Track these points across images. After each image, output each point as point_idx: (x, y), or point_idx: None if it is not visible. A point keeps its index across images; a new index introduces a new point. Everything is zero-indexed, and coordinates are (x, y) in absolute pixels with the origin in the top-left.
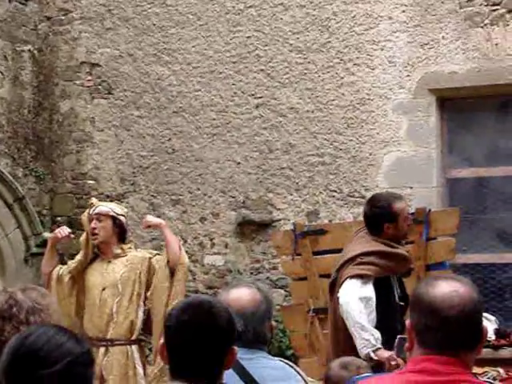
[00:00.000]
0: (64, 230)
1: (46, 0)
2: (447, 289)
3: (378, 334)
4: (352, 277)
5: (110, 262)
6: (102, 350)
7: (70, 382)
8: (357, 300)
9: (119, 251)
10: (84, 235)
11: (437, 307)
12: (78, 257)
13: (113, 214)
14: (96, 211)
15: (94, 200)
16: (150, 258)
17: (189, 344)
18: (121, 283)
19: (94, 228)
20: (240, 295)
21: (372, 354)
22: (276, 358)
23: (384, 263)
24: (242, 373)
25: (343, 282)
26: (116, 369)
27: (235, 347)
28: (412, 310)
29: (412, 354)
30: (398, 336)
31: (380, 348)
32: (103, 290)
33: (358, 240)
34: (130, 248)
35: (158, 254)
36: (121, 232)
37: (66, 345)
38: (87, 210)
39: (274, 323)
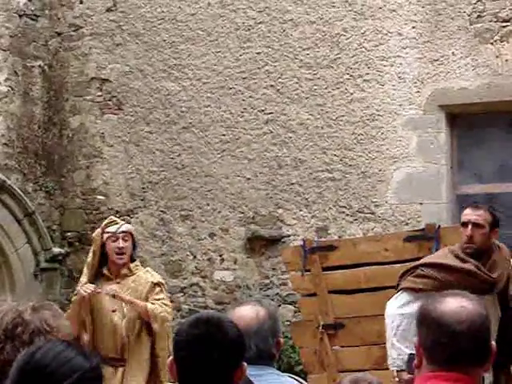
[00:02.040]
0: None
1: (56, 16)
2: (455, 305)
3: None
4: (406, 289)
5: (118, 283)
6: (121, 370)
7: None
8: (398, 315)
9: (126, 271)
10: (91, 256)
11: (445, 323)
12: (84, 279)
13: (133, 233)
14: (122, 229)
15: (113, 217)
16: (155, 284)
17: (199, 358)
18: (126, 307)
19: (122, 247)
20: (243, 313)
21: (395, 374)
22: (285, 374)
23: (444, 276)
24: None
25: (397, 291)
26: None
27: (244, 363)
28: (420, 326)
29: (421, 371)
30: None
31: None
32: (113, 311)
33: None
34: (137, 266)
35: (159, 285)
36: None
37: (74, 360)
38: (100, 229)
39: (281, 340)
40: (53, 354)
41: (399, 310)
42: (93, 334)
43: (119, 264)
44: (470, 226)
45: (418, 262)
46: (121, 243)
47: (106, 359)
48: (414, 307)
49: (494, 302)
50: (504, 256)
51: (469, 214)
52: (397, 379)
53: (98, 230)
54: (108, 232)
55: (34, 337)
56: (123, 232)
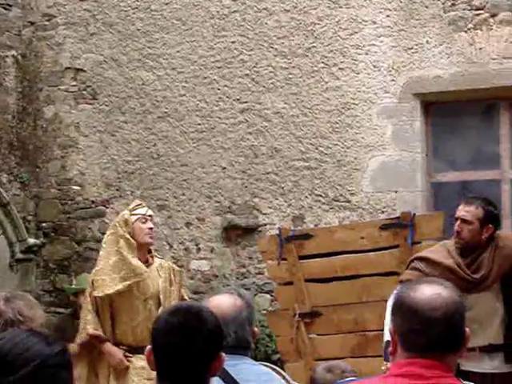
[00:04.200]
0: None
1: (29, 5)
2: (429, 292)
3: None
4: (401, 281)
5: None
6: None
7: None
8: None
9: (150, 260)
10: (127, 237)
11: (419, 310)
12: (134, 261)
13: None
14: (150, 213)
15: (138, 201)
16: (181, 273)
17: (177, 347)
18: (162, 294)
19: (151, 228)
20: (220, 302)
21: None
22: (259, 363)
23: (430, 271)
24: (227, 378)
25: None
26: None
27: (223, 353)
28: (395, 313)
29: (396, 358)
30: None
31: None
32: (145, 300)
33: None
34: (152, 254)
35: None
36: None
37: (33, 348)
38: (128, 211)
39: (256, 329)
40: (12, 343)
41: (390, 301)
42: (115, 327)
43: (150, 243)
44: (458, 222)
45: (415, 255)
46: (151, 223)
47: (139, 347)
48: None
49: (492, 298)
50: (505, 254)
51: (459, 210)
52: (383, 367)
53: (126, 212)
54: (137, 214)
55: (7, 328)
56: (150, 216)
